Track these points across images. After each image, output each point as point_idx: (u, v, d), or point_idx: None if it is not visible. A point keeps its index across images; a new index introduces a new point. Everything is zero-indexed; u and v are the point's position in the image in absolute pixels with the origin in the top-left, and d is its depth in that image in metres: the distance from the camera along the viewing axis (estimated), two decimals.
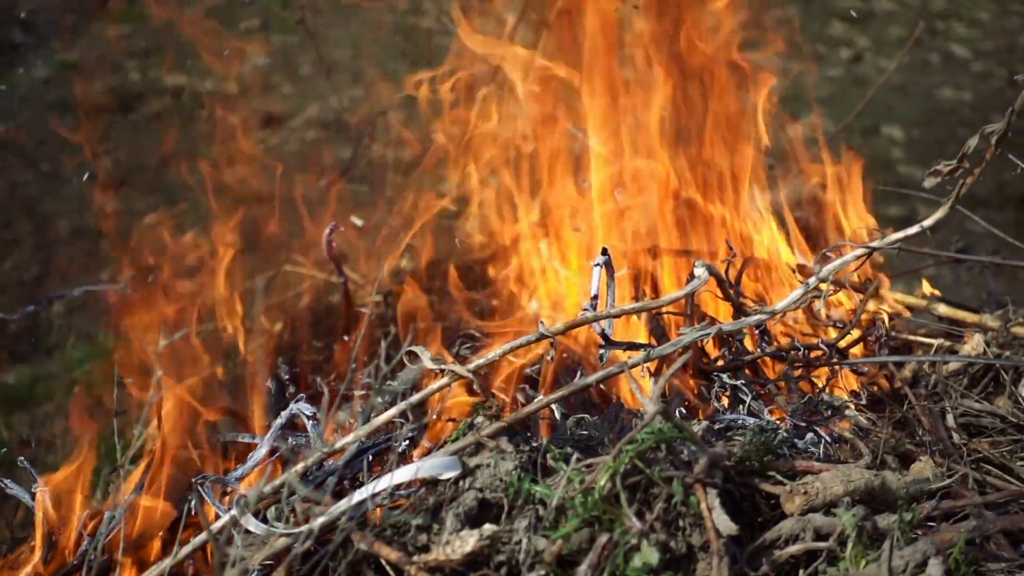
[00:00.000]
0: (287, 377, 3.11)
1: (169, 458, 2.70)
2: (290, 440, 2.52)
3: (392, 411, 2.24)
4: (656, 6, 3.31)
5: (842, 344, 2.83)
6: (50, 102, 6.62)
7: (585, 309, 2.36)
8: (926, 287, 3.27)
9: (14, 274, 5.44)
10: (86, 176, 3.98)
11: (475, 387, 2.34)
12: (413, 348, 2.36)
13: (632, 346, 2.44)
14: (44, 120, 6.41)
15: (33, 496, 2.62)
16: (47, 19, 7.48)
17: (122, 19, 7.44)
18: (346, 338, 3.35)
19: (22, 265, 5.49)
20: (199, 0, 7.37)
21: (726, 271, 2.81)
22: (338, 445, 2.23)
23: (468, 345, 3.16)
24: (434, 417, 2.59)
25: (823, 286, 2.46)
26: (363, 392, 2.89)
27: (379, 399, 2.57)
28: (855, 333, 2.91)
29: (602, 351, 2.41)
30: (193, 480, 2.41)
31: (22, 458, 2.72)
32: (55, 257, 5.50)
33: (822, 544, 2.02)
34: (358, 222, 3.72)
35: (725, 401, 2.62)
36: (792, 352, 2.74)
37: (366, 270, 3.84)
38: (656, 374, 2.51)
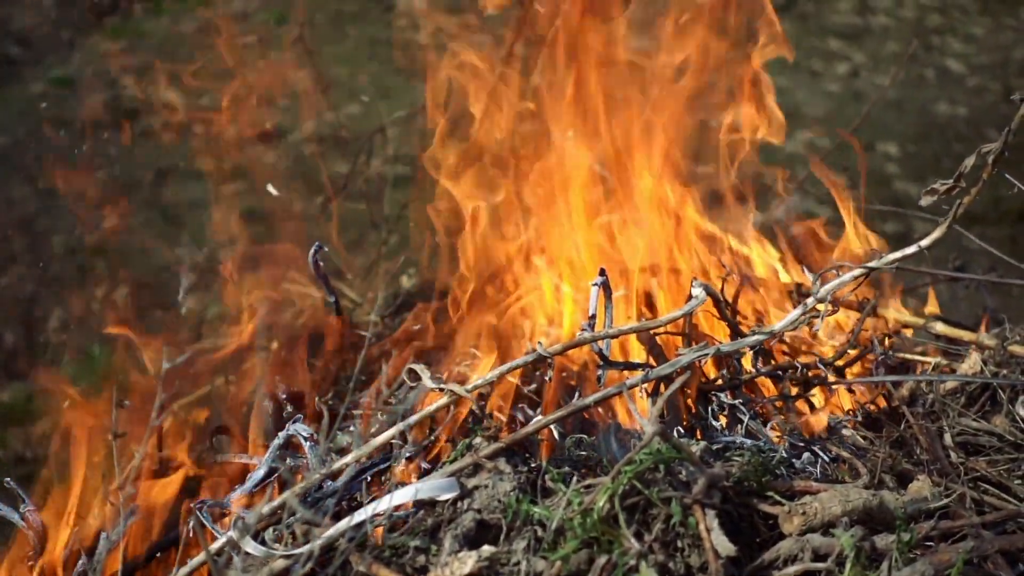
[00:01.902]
0: (284, 396, 3.10)
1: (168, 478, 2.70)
2: (288, 461, 2.52)
3: (390, 432, 2.24)
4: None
5: (840, 363, 2.83)
6: (46, 117, 6.62)
7: (583, 329, 2.36)
8: (932, 304, 3.28)
9: (9, 291, 5.43)
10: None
11: (473, 407, 2.34)
12: (413, 367, 2.36)
13: (630, 366, 2.44)
14: (40, 135, 6.42)
15: (22, 516, 2.61)
16: (43, 34, 7.49)
17: (117, 34, 7.46)
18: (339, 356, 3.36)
19: (18, 282, 5.49)
20: (195, 15, 7.40)
21: (722, 289, 2.82)
22: (336, 466, 2.23)
23: (468, 363, 3.15)
24: (433, 438, 2.59)
25: (821, 306, 2.46)
26: (362, 412, 2.89)
27: (379, 418, 2.58)
28: (853, 352, 2.91)
29: (600, 372, 2.42)
30: (192, 504, 2.41)
31: (8, 479, 2.71)
32: (50, 274, 5.50)
33: (820, 565, 2.02)
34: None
35: (723, 420, 2.62)
36: (790, 371, 2.74)
37: (364, 288, 3.84)
38: (654, 394, 2.51)
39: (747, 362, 2.77)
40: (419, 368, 2.36)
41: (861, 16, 8.20)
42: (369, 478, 2.40)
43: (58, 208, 5.85)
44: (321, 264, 3.17)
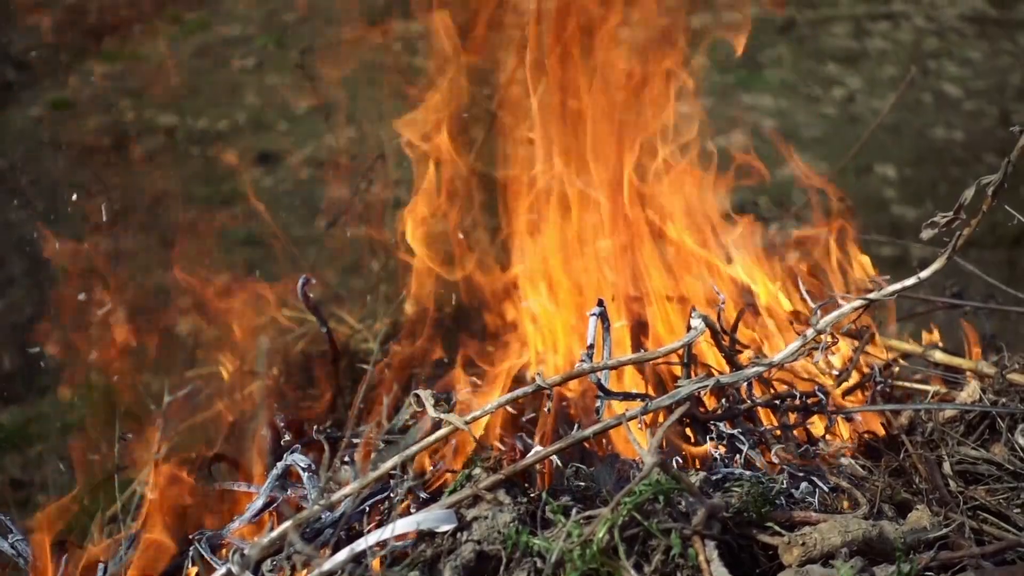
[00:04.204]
0: (282, 424, 3.10)
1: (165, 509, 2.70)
2: (288, 491, 2.51)
3: (389, 463, 2.24)
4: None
5: (839, 391, 2.83)
6: (44, 140, 6.63)
7: (582, 360, 2.36)
8: (925, 336, 3.27)
9: (8, 315, 5.43)
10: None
11: (473, 439, 2.34)
12: (418, 392, 2.36)
13: (629, 396, 2.44)
14: (38, 158, 6.43)
15: (12, 545, 2.61)
16: (41, 58, 7.50)
17: (115, 58, 7.47)
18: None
19: (16, 305, 5.49)
20: (194, 38, 7.41)
21: (718, 317, 2.81)
22: (335, 497, 2.23)
23: (468, 390, 3.14)
24: (432, 469, 2.59)
25: (821, 338, 2.46)
26: (363, 440, 2.89)
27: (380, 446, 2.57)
28: (852, 380, 2.92)
29: (599, 403, 2.42)
30: (191, 536, 2.40)
31: None
32: (49, 297, 5.49)
33: None
34: None
35: (722, 450, 2.62)
36: (789, 400, 2.74)
37: (364, 314, 3.84)
38: (653, 424, 2.51)
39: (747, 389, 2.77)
40: (423, 394, 2.36)
41: (858, 40, 8.22)
42: (368, 508, 2.40)
43: (56, 231, 5.86)
44: (310, 295, 3.16)
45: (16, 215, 6.10)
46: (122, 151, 6.58)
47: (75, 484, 2.90)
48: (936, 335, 3.28)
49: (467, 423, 2.26)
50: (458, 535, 2.13)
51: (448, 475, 2.53)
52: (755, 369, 2.43)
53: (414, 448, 2.26)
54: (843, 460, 2.62)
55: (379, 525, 2.20)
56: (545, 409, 2.68)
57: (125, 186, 5.96)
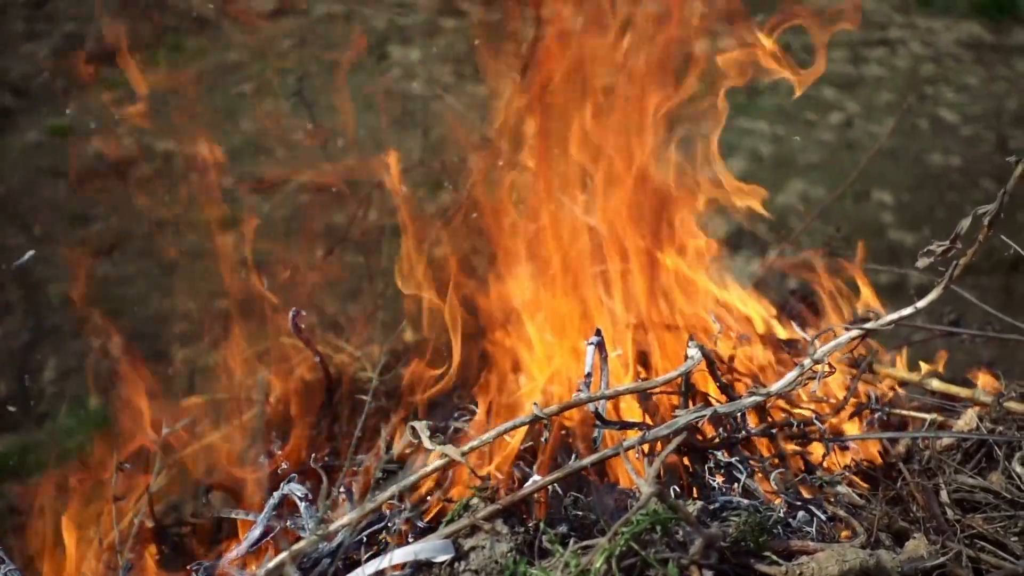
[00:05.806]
0: (279, 453, 3.10)
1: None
2: (288, 522, 2.51)
3: (386, 493, 2.24)
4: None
5: (836, 420, 2.83)
6: (42, 167, 6.63)
7: (579, 390, 2.37)
8: (924, 366, 3.28)
9: (4, 341, 5.42)
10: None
11: (470, 470, 2.34)
12: (414, 424, 2.36)
13: (626, 426, 2.44)
14: (36, 185, 6.43)
15: (6, 575, 2.61)
16: (39, 84, 7.50)
17: (113, 84, 7.47)
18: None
19: (13, 332, 5.48)
20: (192, 65, 7.42)
21: (715, 345, 2.81)
22: (332, 527, 2.23)
23: (466, 418, 3.14)
24: (430, 498, 2.59)
25: (818, 367, 2.46)
26: (361, 469, 2.89)
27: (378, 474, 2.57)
28: (849, 408, 2.92)
29: (596, 433, 2.42)
30: (188, 566, 2.40)
31: None
32: (46, 323, 5.49)
33: None
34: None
35: (719, 479, 2.62)
36: (786, 428, 2.74)
37: (362, 341, 3.83)
38: (650, 453, 2.51)
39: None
40: (419, 426, 2.36)
41: (854, 65, 8.23)
42: (366, 538, 2.40)
43: (54, 258, 5.86)
44: (301, 326, 3.17)
45: (13, 241, 6.10)
46: (121, 177, 6.57)
47: (72, 512, 2.90)
48: (940, 363, 3.29)
49: (464, 454, 2.26)
50: (455, 565, 2.13)
51: (446, 504, 2.53)
52: (752, 399, 2.44)
53: (412, 478, 2.26)
54: (840, 489, 2.62)
55: (377, 555, 2.20)
56: (542, 439, 2.68)
57: (123, 212, 5.97)
